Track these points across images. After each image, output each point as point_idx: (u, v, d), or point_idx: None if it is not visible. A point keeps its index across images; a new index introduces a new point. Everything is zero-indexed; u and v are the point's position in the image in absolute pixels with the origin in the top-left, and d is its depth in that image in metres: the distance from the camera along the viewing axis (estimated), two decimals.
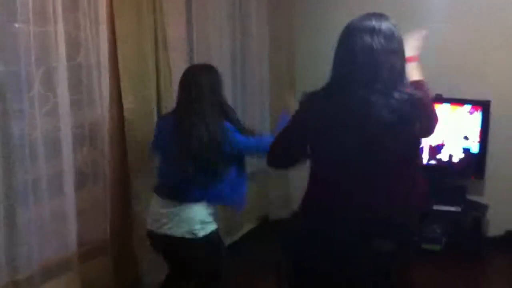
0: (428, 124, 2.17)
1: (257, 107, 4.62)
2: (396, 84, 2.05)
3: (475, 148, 4.27)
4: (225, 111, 2.87)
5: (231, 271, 3.06)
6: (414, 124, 2.07)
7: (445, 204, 4.31)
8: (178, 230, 2.80)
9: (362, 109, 2.04)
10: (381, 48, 2.04)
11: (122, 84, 3.11)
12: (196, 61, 3.77)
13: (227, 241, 4.27)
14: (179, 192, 2.80)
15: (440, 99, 4.34)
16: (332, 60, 2.17)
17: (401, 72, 2.09)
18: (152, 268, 3.37)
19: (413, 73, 2.23)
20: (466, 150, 4.29)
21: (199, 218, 2.82)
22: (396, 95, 2.02)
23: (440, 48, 4.47)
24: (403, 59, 2.12)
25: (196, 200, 2.81)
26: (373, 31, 2.06)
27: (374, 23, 2.08)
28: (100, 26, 2.99)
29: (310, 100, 2.21)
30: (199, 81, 2.81)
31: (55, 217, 2.85)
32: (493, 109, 4.23)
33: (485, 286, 4.13)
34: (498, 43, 4.39)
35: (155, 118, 3.26)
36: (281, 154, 2.37)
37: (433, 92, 4.27)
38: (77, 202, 2.96)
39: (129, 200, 3.27)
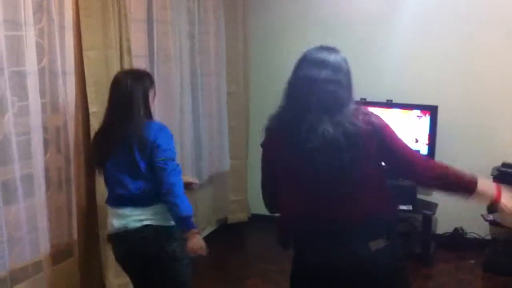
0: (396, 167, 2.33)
1: (215, 119, 4.76)
2: (337, 112, 2.17)
3: (424, 151, 4.49)
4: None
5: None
6: (357, 147, 2.16)
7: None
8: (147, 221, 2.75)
9: (310, 136, 2.16)
10: (327, 79, 2.20)
11: (88, 90, 3.16)
12: (157, 71, 3.84)
13: None
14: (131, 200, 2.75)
15: (391, 104, 4.56)
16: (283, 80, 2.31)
17: (344, 102, 2.21)
18: (117, 271, 3.41)
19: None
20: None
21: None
22: (335, 122, 2.15)
23: (392, 56, 4.72)
24: (348, 90, 2.25)
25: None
26: (321, 63, 2.23)
27: (324, 55, 2.26)
28: (66, 33, 3.04)
29: (266, 138, 2.36)
30: (132, 90, 2.73)
31: (26, 220, 2.86)
32: (440, 113, 4.47)
33: (435, 278, 4.33)
34: (446, 53, 4.64)
35: None
36: (272, 197, 2.45)
37: (384, 97, 4.54)
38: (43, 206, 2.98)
39: (94, 204, 3.31)
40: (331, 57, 2.25)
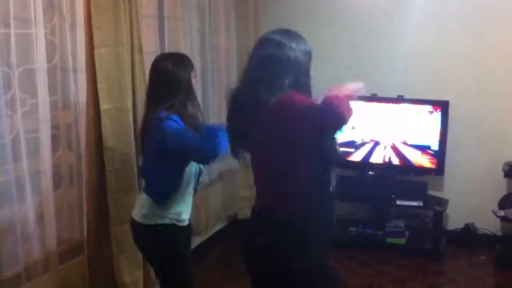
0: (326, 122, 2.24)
1: (225, 116, 4.73)
2: (272, 88, 2.21)
3: (435, 146, 4.48)
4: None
5: None
6: (288, 126, 2.20)
7: (408, 199, 4.50)
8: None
9: (249, 113, 2.28)
10: (265, 55, 2.27)
11: (99, 86, 3.15)
12: None
13: (198, 239, 4.37)
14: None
15: (402, 100, 4.54)
16: None
17: (278, 78, 2.22)
18: (127, 268, 3.43)
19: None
20: (427, 148, 4.49)
21: None
22: (271, 98, 2.20)
23: (403, 51, 4.69)
24: (286, 69, 2.25)
25: None
26: (268, 41, 2.29)
27: (274, 35, 2.31)
28: (78, 30, 3.04)
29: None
30: (177, 75, 2.69)
31: (34, 218, 2.87)
32: (451, 109, 4.45)
33: (446, 274, 4.32)
34: (457, 48, 4.61)
35: (131, 119, 3.30)
36: None
37: (395, 93, 4.53)
38: (54, 203, 2.99)
39: (106, 201, 3.30)
40: (282, 38, 2.28)
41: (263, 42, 2.32)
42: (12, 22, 2.66)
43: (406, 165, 4.54)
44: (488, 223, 4.60)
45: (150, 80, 2.79)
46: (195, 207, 4.22)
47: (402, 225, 4.57)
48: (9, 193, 2.70)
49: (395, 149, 4.55)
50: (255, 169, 2.43)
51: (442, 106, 4.43)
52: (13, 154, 2.73)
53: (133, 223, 2.81)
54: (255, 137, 2.34)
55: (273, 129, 2.23)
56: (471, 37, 4.56)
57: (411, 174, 4.61)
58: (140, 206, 2.78)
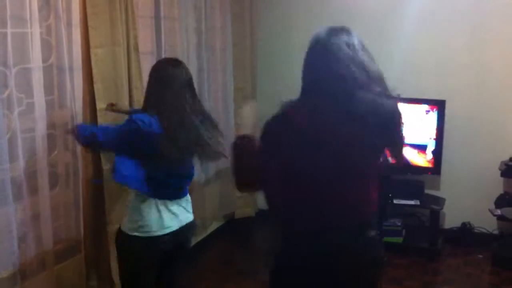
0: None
1: (221, 115, 4.75)
2: (355, 91, 2.08)
3: (431, 145, 4.48)
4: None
5: None
6: (376, 130, 2.13)
7: (405, 198, 4.51)
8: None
9: (335, 124, 2.07)
10: (349, 59, 2.11)
11: (95, 86, 3.15)
12: None
13: (194, 239, 4.36)
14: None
15: (398, 99, 4.53)
16: (300, 74, 2.17)
17: (363, 80, 2.12)
18: None
19: None
20: (423, 147, 4.50)
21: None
22: (357, 104, 2.07)
23: (400, 50, 4.69)
24: (366, 67, 2.17)
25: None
26: (342, 45, 2.12)
27: (340, 38, 2.14)
28: (74, 30, 3.04)
29: (272, 124, 2.13)
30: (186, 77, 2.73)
31: (31, 217, 2.88)
32: (448, 108, 4.45)
33: (442, 273, 4.32)
34: (454, 48, 4.62)
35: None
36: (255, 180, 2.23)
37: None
38: (51, 202, 3.00)
39: (103, 200, 3.31)
40: (345, 37, 2.15)
41: (331, 45, 2.12)
42: (8, 21, 2.66)
43: (403, 164, 4.54)
44: (485, 222, 4.61)
45: (185, 85, 2.71)
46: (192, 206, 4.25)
47: (399, 224, 4.58)
48: (5, 192, 2.69)
49: None
50: (311, 180, 2.10)
51: (439, 105, 4.44)
52: (10, 153, 2.72)
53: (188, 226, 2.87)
54: (339, 144, 2.09)
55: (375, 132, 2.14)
56: (468, 36, 4.57)
57: (408, 173, 4.62)
58: (189, 208, 2.90)
